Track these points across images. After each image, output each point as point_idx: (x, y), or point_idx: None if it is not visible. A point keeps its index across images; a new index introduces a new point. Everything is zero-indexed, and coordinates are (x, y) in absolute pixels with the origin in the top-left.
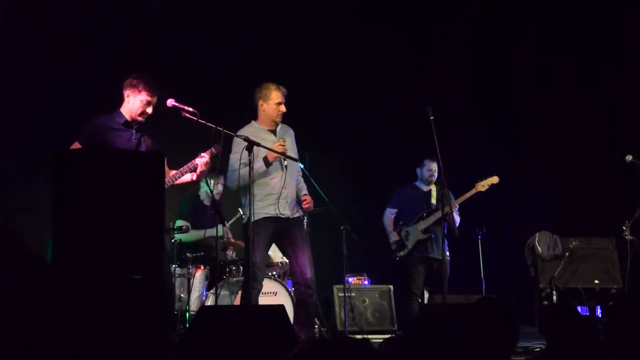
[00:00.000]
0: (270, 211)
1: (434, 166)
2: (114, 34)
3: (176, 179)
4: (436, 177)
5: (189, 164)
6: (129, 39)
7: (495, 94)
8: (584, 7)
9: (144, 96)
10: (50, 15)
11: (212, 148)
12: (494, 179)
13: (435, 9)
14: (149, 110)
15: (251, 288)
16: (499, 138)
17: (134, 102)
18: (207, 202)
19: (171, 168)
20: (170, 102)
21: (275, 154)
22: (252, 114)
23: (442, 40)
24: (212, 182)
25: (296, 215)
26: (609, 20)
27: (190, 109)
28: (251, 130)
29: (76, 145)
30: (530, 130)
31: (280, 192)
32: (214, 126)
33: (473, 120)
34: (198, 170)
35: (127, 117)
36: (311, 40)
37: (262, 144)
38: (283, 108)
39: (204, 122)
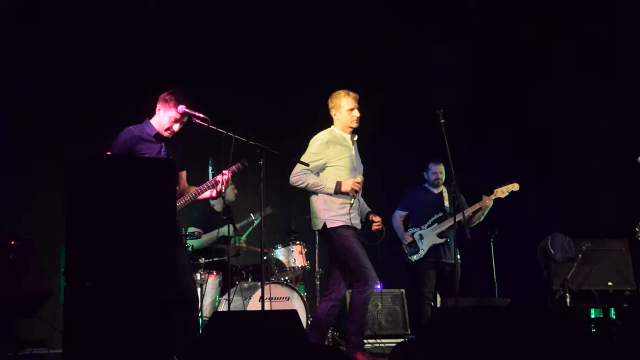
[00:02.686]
0: (347, 220)
1: (440, 168)
2: (129, 41)
3: (198, 195)
4: (443, 179)
5: (211, 180)
6: (145, 46)
7: (508, 98)
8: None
9: (173, 113)
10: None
11: (238, 163)
12: (515, 186)
13: (452, 14)
14: (176, 127)
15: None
16: (511, 141)
17: (163, 117)
18: (217, 207)
19: (191, 184)
20: (181, 108)
21: (350, 190)
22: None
23: (459, 43)
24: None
25: (359, 227)
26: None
27: (201, 115)
28: (331, 135)
29: None
30: (543, 133)
31: (355, 201)
32: (224, 132)
33: (486, 124)
34: (218, 187)
35: (158, 129)
36: (319, 42)
37: (340, 150)
38: (357, 113)
39: (214, 127)
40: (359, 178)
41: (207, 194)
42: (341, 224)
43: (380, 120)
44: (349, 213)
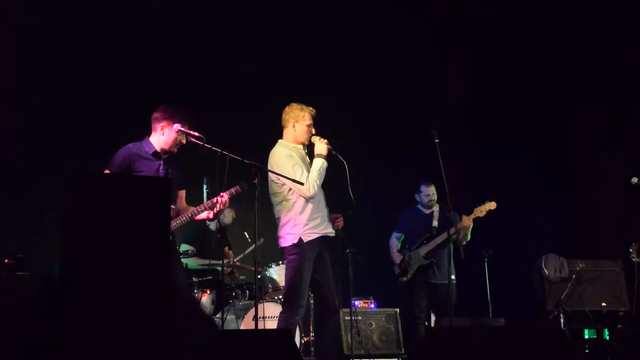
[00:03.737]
0: (321, 230)
1: (431, 190)
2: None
3: (194, 215)
4: (435, 199)
5: (208, 201)
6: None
7: (501, 115)
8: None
9: (172, 130)
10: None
11: (237, 186)
12: (492, 205)
13: (449, 27)
14: (184, 141)
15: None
16: (505, 160)
17: (169, 134)
18: (212, 226)
19: (189, 204)
20: (177, 126)
21: (327, 147)
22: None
23: (453, 60)
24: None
25: (333, 234)
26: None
27: (196, 134)
28: (286, 149)
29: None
30: (537, 152)
31: (324, 210)
32: (219, 151)
33: (479, 141)
34: (215, 209)
35: (157, 147)
36: (312, 57)
37: (297, 161)
38: (313, 130)
39: (209, 146)
40: (315, 138)
41: (203, 215)
42: (317, 235)
43: (371, 139)
44: (322, 223)
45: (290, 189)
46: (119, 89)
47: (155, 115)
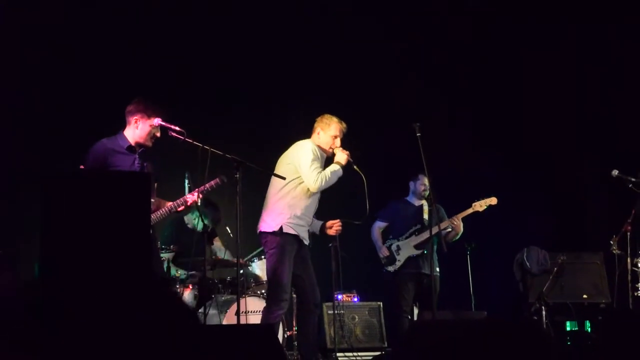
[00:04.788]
0: (301, 232)
1: (427, 181)
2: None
3: (172, 210)
4: (428, 192)
5: (180, 199)
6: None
7: (486, 110)
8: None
9: (147, 124)
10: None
11: (217, 179)
12: (493, 200)
13: (440, 27)
14: (158, 134)
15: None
16: (489, 153)
17: (144, 127)
18: (190, 226)
19: (167, 197)
20: (157, 121)
21: (347, 157)
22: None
23: (441, 58)
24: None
25: (307, 242)
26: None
27: (177, 128)
28: (315, 147)
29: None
30: (519, 145)
31: (311, 219)
32: (200, 145)
33: (463, 135)
34: (188, 204)
35: (132, 141)
36: (297, 56)
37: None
38: (339, 143)
39: (190, 140)
40: (338, 148)
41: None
42: (295, 233)
43: (360, 135)
44: (305, 226)
45: (301, 182)
46: (108, 89)
47: (129, 108)
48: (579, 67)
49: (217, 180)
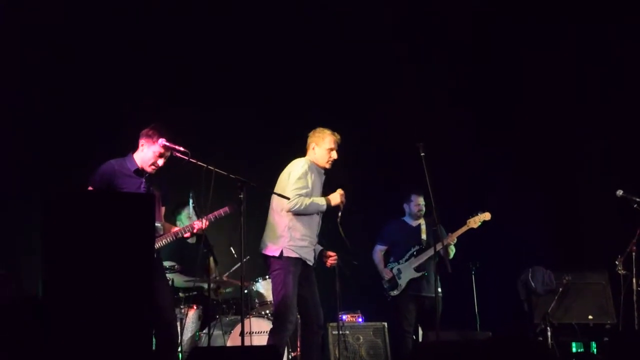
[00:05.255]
0: (303, 254)
1: (421, 200)
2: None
3: (177, 236)
4: (424, 210)
5: (187, 225)
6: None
7: (490, 129)
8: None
9: (157, 148)
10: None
11: (227, 207)
12: (486, 216)
13: (438, 40)
14: (160, 162)
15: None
16: (493, 172)
17: (147, 152)
18: (191, 240)
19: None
20: (162, 142)
21: (340, 203)
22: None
23: (441, 72)
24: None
25: (311, 263)
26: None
27: (182, 149)
28: (309, 165)
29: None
30: (525, 165)
31: (315, 238)
32: (204, 165)
33: (467, 154)
34: (194, 231)
35: (139, 164)
36: (300, 72)
37: (317, 183)
38: (335, 155)
39: (195, 161)
40: (341, 190)
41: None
42: (297, 256)
43: (356, 152)
44: (308, 247)
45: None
46: (107, 90)
47: (141, 132)
48: (583, 83)
49: (227, 209)
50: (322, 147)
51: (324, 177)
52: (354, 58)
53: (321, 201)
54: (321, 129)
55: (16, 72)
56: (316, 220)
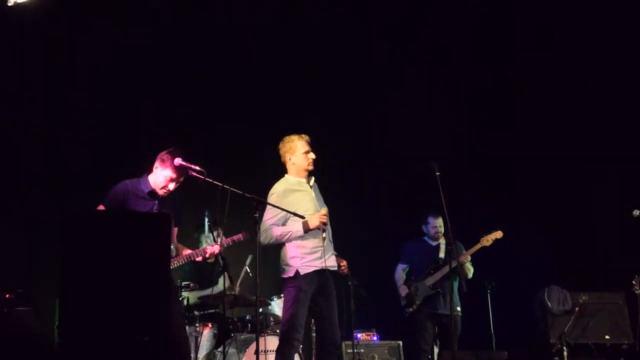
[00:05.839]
0: (319, 264)
1: (439, 222)
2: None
3: (191, 259)
4: (442, 232)
5: (200, 249)
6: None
7: (502, 145)
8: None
9: (169, 172)
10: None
11: (241, 235)
12: (498, 234)
13: (450, 60)
14: (171, 187)
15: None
16: (510, 191)
17: (159, 175)
18: (211, 259)
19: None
20: (178, 161)
21: (319, 224)
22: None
23: (445, 78)
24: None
25: (335, 268)
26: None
27: (197, 168)
28: (286, 184)
29: (101, 209)
30: (541, 183)
31: (326, 243)
32: (220, 185)
33: (482, 172)
34: (207, 256)
35: (152, 187)
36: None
37: (299, 196)
38: (312, 155)
39: (210, 180)
40: (323, 210)
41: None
42: (314, 269)
43: (369, 172)
44: (322, 256)
45: (295, 219)
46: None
47: (158, 155)
48: (593, 101)
49: (240, 236)
50: (297, 154)
51: (310, 183)
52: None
53: (295, 228)
54: (287, 137)
55: (32, 93)
56: (326, 228)
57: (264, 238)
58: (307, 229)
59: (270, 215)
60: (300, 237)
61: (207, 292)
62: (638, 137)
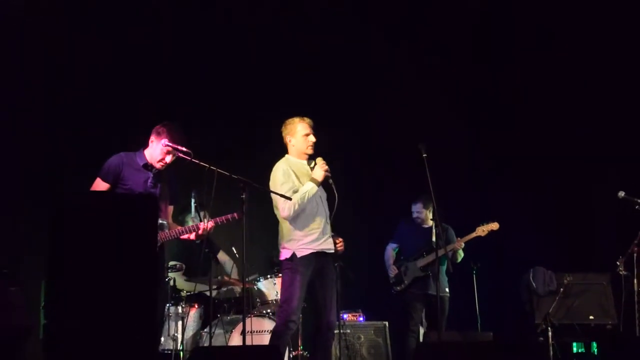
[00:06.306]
0: (316, 246)
1: (417, 207)
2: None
3: (179, 235)
4: (424, 215)
5: (193, 225)
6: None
7: (495, 132)
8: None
9: (165, 143)
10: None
11: (235, 213)
12: (494, 226)
13: (449, 49)
14: (168, 159)
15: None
16: (496, 175)
17: (155, 149)
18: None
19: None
20: (164, 141)
21: (324, 173)
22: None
23: (446, 76)
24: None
25: (332, 250)
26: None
27: (184, 149)
28: (288, 163)
29: (98, 181)
30: (527, 166)
31: (323, 225)
32: (207, 166)
33: (472, 156)
34: (199, 232)
35: (148, 160)
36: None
37: (299, 175)
38: (313, 138)
39: (197, 161)
40: (319, 161)
41: (185, 236)
42: (310, 251)
43: (362, 156)
44: (319, 238)
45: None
46: (111, 103)
47: (153, 129)
48: (585, 74)
49: (235, 214)
50: (297, 136)
51: (310, 165)
52: (353, 60)
53: (308, 186)
54: (289, 119)
55: (21, 73)
56: (320, 209)
57: (288, 209)
58: (318, 184)
59: (288, 187)
60: (310, 195)
61: (205, 287)
62: (638, 137)
